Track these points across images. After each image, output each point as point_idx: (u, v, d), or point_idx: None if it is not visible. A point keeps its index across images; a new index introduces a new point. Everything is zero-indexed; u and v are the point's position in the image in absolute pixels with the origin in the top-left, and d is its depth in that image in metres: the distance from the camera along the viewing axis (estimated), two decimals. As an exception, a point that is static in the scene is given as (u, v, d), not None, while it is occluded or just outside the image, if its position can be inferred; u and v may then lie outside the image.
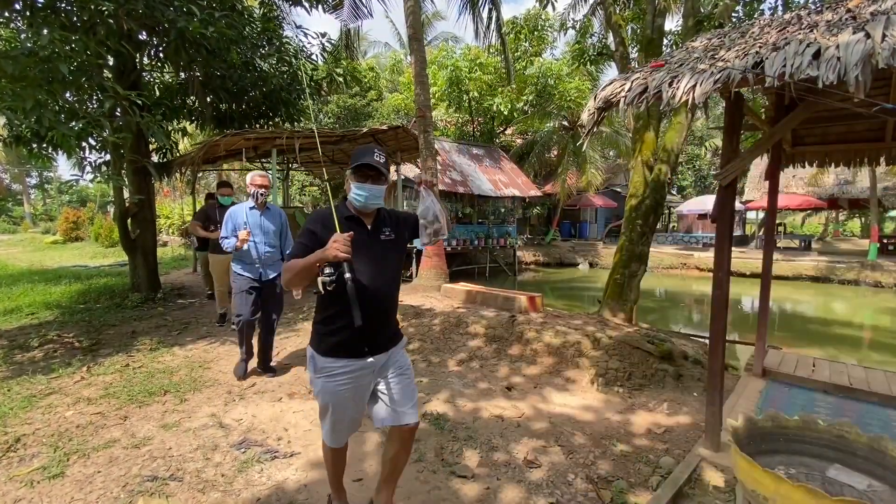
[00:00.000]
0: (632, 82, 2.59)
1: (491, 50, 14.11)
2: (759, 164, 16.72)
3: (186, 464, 2.74)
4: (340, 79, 9.36)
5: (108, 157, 6.38)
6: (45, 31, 4.65)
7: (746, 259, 15.02)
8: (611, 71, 18.12)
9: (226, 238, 3.80)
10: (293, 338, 5.39)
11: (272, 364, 4.26)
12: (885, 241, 17.18)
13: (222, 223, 3.92)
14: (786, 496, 1.61)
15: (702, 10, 8.16)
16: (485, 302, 6.18)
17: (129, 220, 7.29)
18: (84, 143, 5.30)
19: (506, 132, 22.67)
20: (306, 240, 1.84)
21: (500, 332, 5.01)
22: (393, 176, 15.09)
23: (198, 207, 10.95)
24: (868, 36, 2.01)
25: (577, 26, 11.71)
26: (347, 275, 1.71)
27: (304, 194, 24.10)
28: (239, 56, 7.10)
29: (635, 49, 9.85)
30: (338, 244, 1.65)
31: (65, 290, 8.11)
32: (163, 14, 5.32)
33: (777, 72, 2.10)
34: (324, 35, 8.92)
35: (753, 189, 19.50)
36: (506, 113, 18.91)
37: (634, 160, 7.51)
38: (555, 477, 2.66)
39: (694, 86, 2.32)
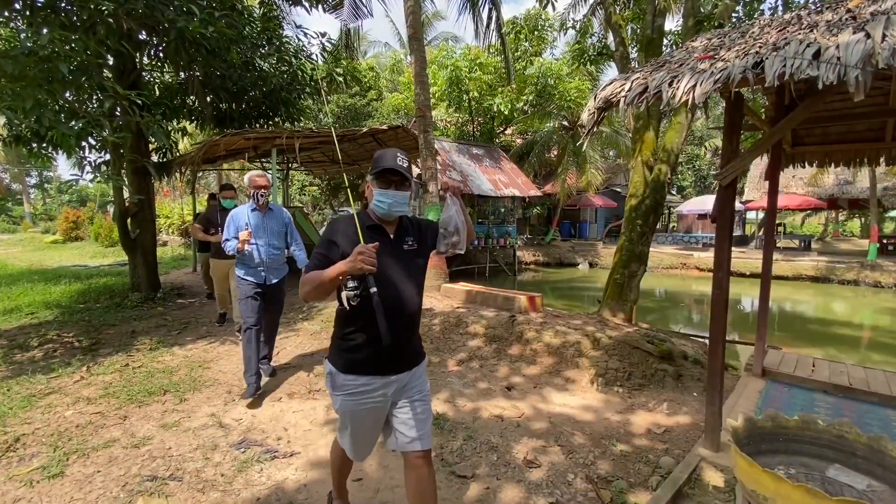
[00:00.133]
0: (632, 82, 2.60)
1: (491, 50, 14.09)
2: (759, 164, 16.73)
3: (186, 463, 2.74)
4: (340, 79, 9.37)
5: (107, 156, 6.38)
6: (45, 31, 4.65)
7: (746, 259, 15.02)
8: (611, 71, 18.14)
9: (228, 241, 3.71)
10: (293, 338, 5.39)
11: (272, 364, 4.25)
12: (884, 241, 17.18)
13: (224, 226, 3.85)
14: (785, 496, 1.61)
15: (702, 10, 8.16)
16: (484, 302, 6.18)
17: (128, 220, 7.28)
18: (84, 143, 5.29)
19: (506, 132, 22.66)
20: (326, 250, 1.74)
21: (500, 332, 5.01)
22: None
23: (198, 207, 10.99)
24: (868, 36, 2.01)
25: (577, 26, 11.70)
26: (373, 289, 1.61)
27: (304, 194, 24.11)
28: (239, 56, 7.10)
29: (635, 49, 9.85)
30: (363, 256, 1.54)
31: (64, 290, 8.11)
32: (163, 14, 5.32)
33: (777, 72, 2.10)
34: (324, 35, 8.93)
35: (753, 189, 19.51)
36: (506, 113, 18.90)
37: (634, 160, 7.50)
38: (554, 477, 2.66)
39: (694, 86, 2.33)
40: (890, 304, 11.89)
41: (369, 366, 1.78)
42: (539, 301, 5.82)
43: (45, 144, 5.46)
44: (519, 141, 22.62)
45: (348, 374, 1.79)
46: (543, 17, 18.32)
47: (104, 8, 4.95)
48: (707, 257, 15.75)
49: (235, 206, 5.32)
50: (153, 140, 6.62)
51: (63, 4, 5.32)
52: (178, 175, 9.07)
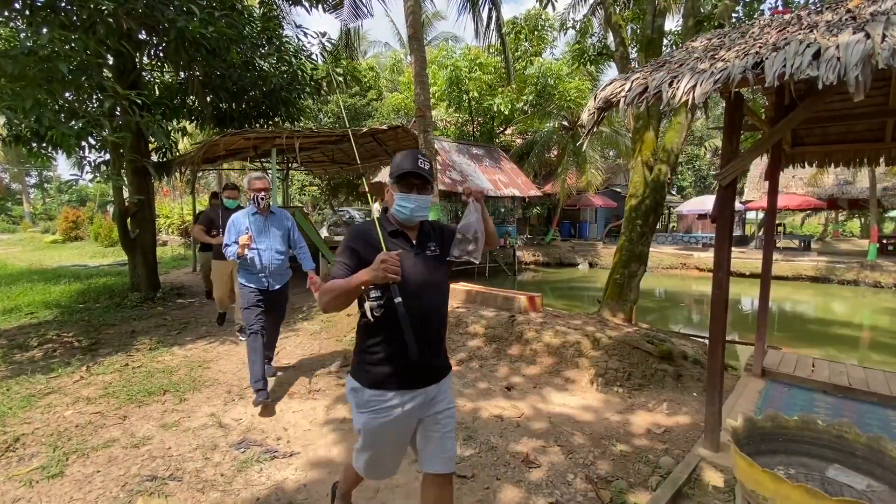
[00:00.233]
0: (632, 82, 2.59)
1: (491, 50, 14.10)
2: (759, 165, 16.73)
3: (186, 463, 2.74)
4: (340, 78, 9.36)
5: (107, 156, 6.38)
6: (45, 31, 4.65)
7: (746, 259, 15.02)
8: (611, 71, 18.14)
9: (228, 246, 3.60)
10: (293, 337, 5.39)
11: (273, 365, 4.25)
12: (884, 241, 17.18)
13: (225, 229, 3.75)
14: (785, 496, 1.61)
15: (702, 10, 8.16)
16: (484, 302, 6.18)
17: (128, 220, 7.29)
18: (84, 143, 5.29)
19: (506, 132, 22.67)
20: (347, 259, 1.65)
21: (500, 331, 5.01)
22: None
23: (197, 207, 10.97)
24: (868, 36, 2.01)
25: (577, 26, 11.69)
26: (398, 299, 1.54)
27: (304, 194, 24.11)
28: (239, 55, 7.10)
29: (635, 49, 9.85)
30: (387, 265, 1.46)
31: (64, 290, 8.11)
32: (162, 13, 5.32)
33: (777, 72, 2.10)
34: (324, 35, 8.92)
35: (753, 189, 19.51)
36: (506, 113, 18.91)
37: (634, 160, 7.50)
38: (554, 477, 2.66)
39: (694, 86, 2.32)
40: (890, 304, 11.89)
41: (396, 380, 1.68)
42: (539, 301, 5.82)
43: (44, 144, 5.45)
44: (519, 141, 22.62)
45: (374, 389, 1.68)
46: (543, 17, 18.33)
47: (104, 7, 4.95)
48: (707, 257, 15.75)
49: (238, 205, 5.29)
50: (153, 140, 6.62)
51: (63, 4, 5.32)
52: (177, 175, 9.06)
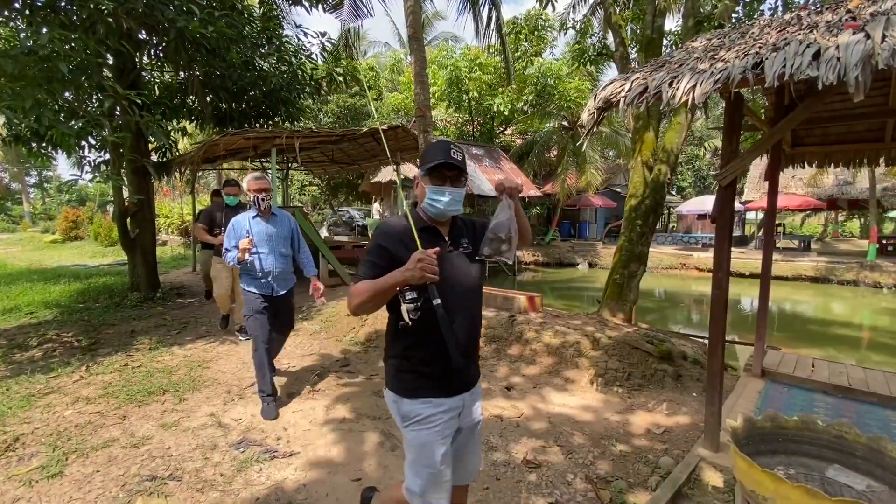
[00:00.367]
0: (632, 82, 2.60)
1: (491, 50, 14.09)
2: (759, 165, 16.73)
3: (185, 463, 2.74)
4: (340, 78, 9.36)
5: (107, 156, 6.37)
6: (45, 30, 4.64)
7: (746, 259, 15.02)
8: (611, 71, 18.13)
9: (228, 251, 3.43)
10: (293, 337, 5.38)
11: (273, 364, 4.23)
12: (884, 241, 17.19)
13: (225, 230, 3.65)
14: (785, 496, 1.61)
15: (702, 11, 8.16)
16: (484, 301, 6.18)
17: (128, 220, 7.28)
18: (83, 143, 5.28)
19: (506, 132, 22.69)
20: (377, 258, 1.52)
21: (500, 331, 5.01)
22: (392, 175, 15.13)
23: (197, 207, 10.95)
24: (868, 36, 2.01)
25: (577, 26, 11.70)
26: (436, 300, 1.41)
27: (304, 194, 24.12)
28: (239, 55, 7.09)
29: (635, 49, 9.85)
30: (424, 263, 1.34)
31: (64, 290, 8.10)
32: (162, 13, 5.32)
33: (777, 72, 2.10)
34: (324, 34, 8.92)
35: (753, 189, 19.51)
36: (506, 113, 18.92)
37: (634, 160, 7.50)
38: (554, 477, 2.66)
39: (694, 86, 2.32)
40: (889, 304, 11.90)
41: (437, 386, 1.57)
42: (539, 301, 5.82)
43: (44, 144, 5.45)
44: (519, 141, 22.64)
45: (416, 398, 1.57)
46: (543, 17, 18.34)
47: (104, 7, 4.95)
48: (707, 257, 15.76)
49: (239, 202, 5.26)
50: (153, 140, 6.61)
51: (63, 4, 5.31)
52: (177, 175, 9.06)
